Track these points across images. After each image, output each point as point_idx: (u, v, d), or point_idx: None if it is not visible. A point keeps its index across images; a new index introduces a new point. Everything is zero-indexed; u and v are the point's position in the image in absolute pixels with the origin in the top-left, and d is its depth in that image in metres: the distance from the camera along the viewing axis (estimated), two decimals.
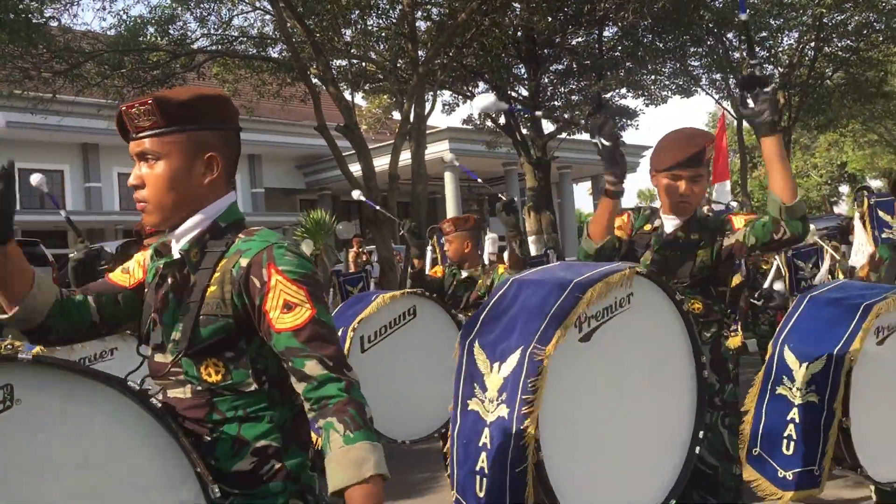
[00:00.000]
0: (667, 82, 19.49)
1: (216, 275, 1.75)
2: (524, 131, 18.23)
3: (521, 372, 2.39)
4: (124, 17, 12.84)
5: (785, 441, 3.21)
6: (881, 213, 6.14)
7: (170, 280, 1.82)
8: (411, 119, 11.64)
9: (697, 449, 2.72)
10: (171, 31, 12.99)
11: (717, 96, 19.52)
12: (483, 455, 2.44)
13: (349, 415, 1.62)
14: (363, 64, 14.21)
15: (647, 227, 3.12)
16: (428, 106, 13.00)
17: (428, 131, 26.47)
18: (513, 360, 2.44)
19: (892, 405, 3.34)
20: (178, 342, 1.76)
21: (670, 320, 2.72)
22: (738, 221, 2.98)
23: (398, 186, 11.72)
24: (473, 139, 23.00)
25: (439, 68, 13.25)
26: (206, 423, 1.75)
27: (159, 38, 12.64)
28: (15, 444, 1.49)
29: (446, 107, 21.33)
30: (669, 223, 3.08)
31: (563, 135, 19.33)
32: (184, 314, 1.76)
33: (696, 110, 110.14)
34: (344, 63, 12.71)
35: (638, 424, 2.65)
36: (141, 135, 1.76)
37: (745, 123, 18.13)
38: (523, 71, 18.38)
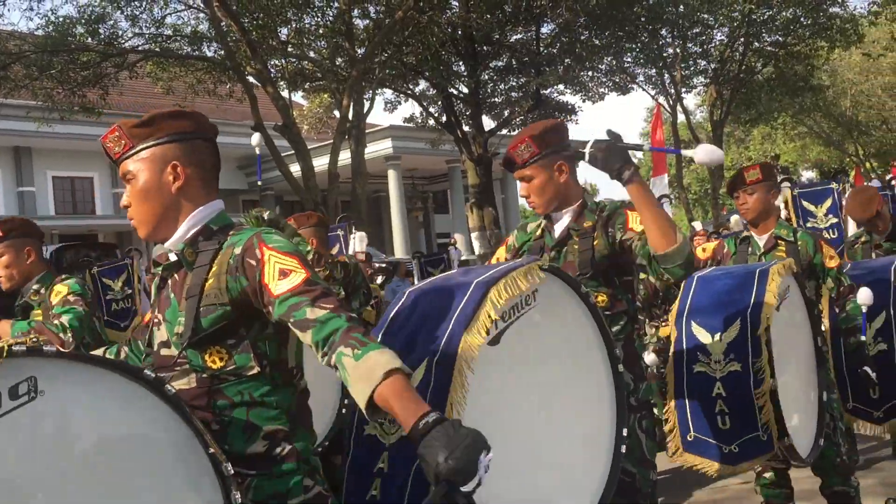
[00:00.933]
0: (604, 79, 19.76)
1: (213, 269, 1.89)
2: (465, 128, 18.32)
3: (429, 385, 2.19)
4: (52, 17, 12.51)
5: (718, 418, 3.16)
6: (805, 203, 6.36)
7: (169, 281, 1.97)
8: (350, 117, 11.60)
9: (623, 447, 2.60)
10: (101, 31, 12.71)
11: (652, 92, 19.88)
12: (377, 482, 2.23)
13: (353, 338, 1.71)
14: (301, 63, 14.11)
15: (538, 232, 3.01)
16: (367, 104, 12.97)
17: (371, 129, 26.46)
18: (418, 374, 2.22)
19: (793, 373, 3.41)
20: (181, 335, 1.88)
21: (578, 315, 2.59)
22: (634, 219, 2.76)
23: (338, 185, 11.68)
24: (416, 137, 22.99)
25: (378, 66, 13.22)
26: (213, 409, 1.87)
27: (89, 38, 12.35)
28: (39, 432, 1.58)
29: (388, 105, 21.35)
30: (560, 221, 2.93)
31: (504, 131, 19.47)
32: (184, 308, 1.89)
33: (633, 106, 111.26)
34: (281, 62, 12.57)
35: (560, 428, 2.52)
36: (120, 160, 1.95)
37: (680, 117, 18.55)
38: (463, 68, 18.47)
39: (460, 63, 18.36)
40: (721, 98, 18.12)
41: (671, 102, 18.42)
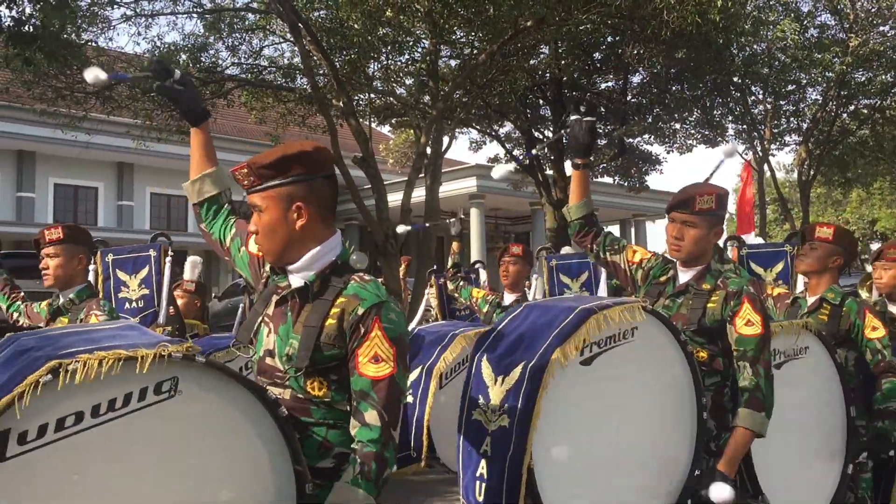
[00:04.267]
0: (692, 131, 19.51)
1: (334, 310, 2.08)
2: (548, 172, 18.35)
3: (522, 385, 2.55)
4: (158, 43, 13.25)
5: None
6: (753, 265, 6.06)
7: (289, 302, 2.16)
8: (428, 154, 11.82)
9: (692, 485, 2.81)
10: (203, 59, 13.36)
11: (742, 148, 19.51)
12: (483, 462, 2.60)
13: (370, 466, 1.96)
14: (388, 98, 14.49)
15: (663, 279, 3.20)
16: (446, 141, 13.19)
17: (457, 167, 26.79)
18: (515, 373, 2.60)
19: (789, 439, 3.25)
20: (290, 356, 2.10)
21: (673, 360, 2.86)
22: (743, 319, 2.89)
23: (413, 221, 11.88)
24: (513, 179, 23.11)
25: (459, 105, 13.44)
26: (300, 423, 2.09)
27: (191, 65, 13.01)
28: (172, 426, 1.84)
29: (473, 144, 21.59)
30: (683, 275, 3.14)
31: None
32: (299, 333, 2.10)
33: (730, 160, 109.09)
34: (368, 97, 12.94)
35: (630, 451, 2.77)
36: (249, 191, 2.16)
37: (766, 174, 18.13)
38: (549, 113, 18.55)
39: (547, 108, 18.47)
40: (811, 158, 17.65)
41: (759, 159, 18.01)
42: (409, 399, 4.24)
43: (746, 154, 18.74)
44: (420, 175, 11.73)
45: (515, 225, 32.56)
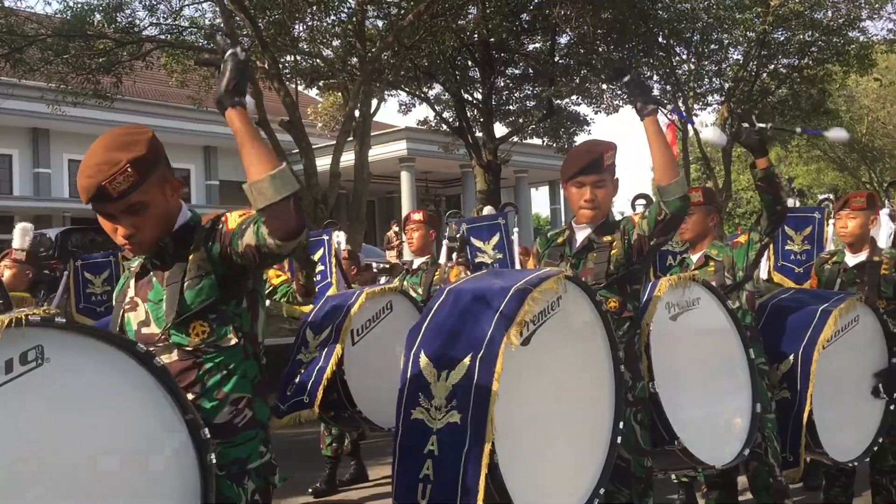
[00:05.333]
0: (619, 91, 19.68)
1: (191, 257, 2.13)
2: (478, 134, 18.34)
3: (474, 377, 2.50)
4: (71, 2, 12.67)
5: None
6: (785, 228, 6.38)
7: (150, 272, 2.21)
8: (357, 117, 11.67)
9: (619, 439, 2.96)
10: (119, 19, 12.85)
11: (668, 108, 19.78)
12: (429, 462, 2.51)
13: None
14: (316, 60, 14.21)
15: (560, 240, 3.35)
16: (375, 104, 13.04)
17: (386, 130, 26.54)
18: (463, 366, 2.54)
19: (704, 381, 3.52)
20: (168, 312, 2.12)
21: (591, 321, 2.94)
22: (638, 219, 3.15)
23: (342, 185, 11.76)
24: (431, 140, 23.03)
25: (387, 67, 13.28)
26: (194, 382, 2.12)
27: (106, 26, 12.50)
28: (42, 396, 1.78)
29: (403, 107, 21.41)
30: (581, 232, 3.28)
31: (516, 138, 19.47)
32: (167, 290, 2.13)
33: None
34: (295, 59, 12.64)
35: (570, 421, 2.86)
36: (129, 192, 2.05)
37: (689, 133, 18.50)
38: (478, 74, 18.48)
39: (475, 69, 18.39)
40: (732, 117, 18.02)
41: (682, 120, 18.34)
42: (317, 355, 4.47)
43: (672, 115, 19.04)
44: (349, 138, 11.58)
45: (447, 188, 32.55)
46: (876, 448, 4.14)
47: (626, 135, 69.28)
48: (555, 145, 19.62)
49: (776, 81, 18.12)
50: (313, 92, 21.48)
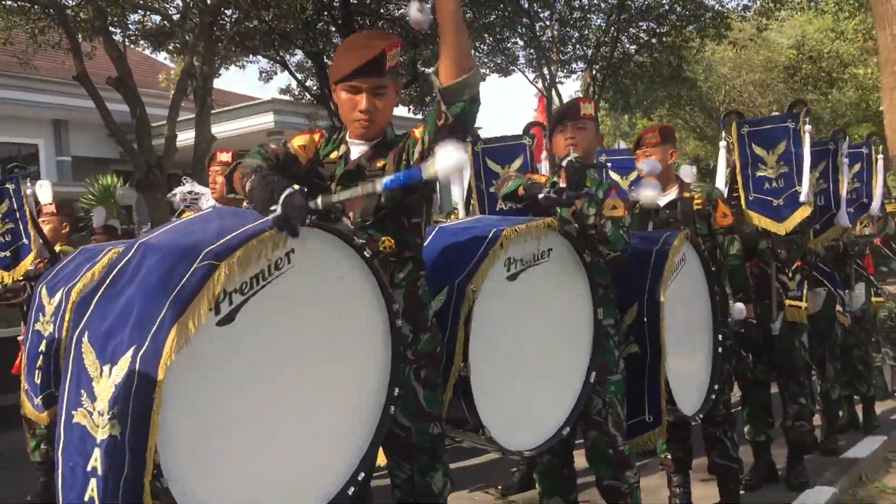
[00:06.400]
0: (485, 59, 19.47)
1: None
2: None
3: (133, 382, 1.88)
4: None
5: None
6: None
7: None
8: (197, 76, 10.82)
9: (392, 409, 2.46)
10: None
11: (532, 75, 19.74)
12: (93, 483, 1.94)
13: None
14: (147, 14, 13.16)
15: (334, 155, 2.74)
16: (225, 69, 12.20)
17: (250, 103, 25.35)
18: (124, 363, 1.92)
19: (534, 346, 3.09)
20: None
21: (352, 268, 2.36)
22: (419, 132, 2.63)
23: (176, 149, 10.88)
24: (299, 112, 22.12)
25: (231, 23, 12.43)
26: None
27: None
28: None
29: (263, 74, 20.49)
30: (356, 149, 2.70)
31: None
32: None
33: (520, 90, 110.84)
34: (123, 10, 11.58)
35: (314, 399, 2.32)
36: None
37: (554, 100, 18.46)
38: (339, 40, 17.80)
39: (337, 35, 17.69)
40: (595, 84, 18.11)
41: (548, 85, 18.27)
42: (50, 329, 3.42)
43: (536, 82, 18.99)
44: (189, 99, 10.74)
45: None
46: (713, 397, 3.88)
47: (495, 104, 69.66)
48: (421, 115, 19.21)
49: (636, 46, 18.26)
50: (163, 58, 20.22)
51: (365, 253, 2.39)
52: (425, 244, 2.82)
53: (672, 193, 4.19)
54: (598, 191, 3.33)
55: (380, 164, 2.67)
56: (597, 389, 3.25)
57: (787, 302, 4.87)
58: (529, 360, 3.02)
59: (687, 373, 3.72)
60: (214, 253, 1.98)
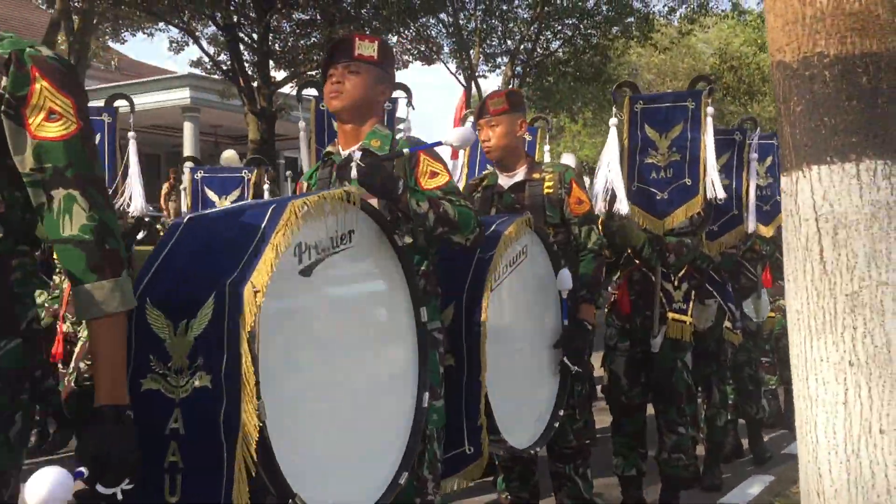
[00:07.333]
0: (408, 46, 18.93)
1: None
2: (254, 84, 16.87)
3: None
4: None
5: (167, 479, 1.89)
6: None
7: None
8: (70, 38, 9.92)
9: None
10: None
11: (454, 67, 19.24)
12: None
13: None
14: None
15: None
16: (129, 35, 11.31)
17: (164, 76, 24.20)
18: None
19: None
20: None
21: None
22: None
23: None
24: (216, 89, 21.10)
25: None
26: None
27: None
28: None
29: (174, 44, 19.46)
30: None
31: (292, 89, 18.16)
32: None
33: (440, 78, 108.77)
34: None
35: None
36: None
37: (473, 90, 18.00)
38: (254, 13, 16.98)
39: (251, 7, 16.87)
40: (515, 78, 17.70)
41: (468, 77, 17.80)
42: None
43: (458, 74, 18.51)
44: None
45: (238, 143, 30.62)
46: (557, 425, 3.23)
47: (419, 87, 68.68)
48: None
49: (559, 42, 17.93)
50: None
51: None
52: (172, 242, 2.12)
53: (520, 174, 3.56)
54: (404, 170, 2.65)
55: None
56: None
57: (670, 315, 4.08)
58: (340, 394, 2.22)
59: (522, 395, 3.08)
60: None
